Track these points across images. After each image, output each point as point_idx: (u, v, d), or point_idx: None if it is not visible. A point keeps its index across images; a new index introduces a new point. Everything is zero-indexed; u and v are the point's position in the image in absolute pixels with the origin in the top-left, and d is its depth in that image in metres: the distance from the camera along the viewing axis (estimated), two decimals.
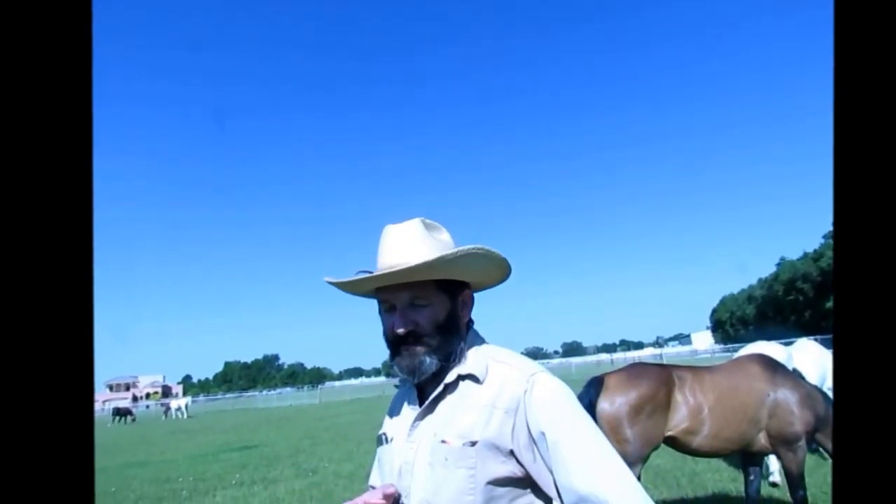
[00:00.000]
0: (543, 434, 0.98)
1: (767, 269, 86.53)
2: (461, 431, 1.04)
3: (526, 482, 1.03)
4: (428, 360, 1.08)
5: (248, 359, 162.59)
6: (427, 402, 1.12)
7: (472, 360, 1.12)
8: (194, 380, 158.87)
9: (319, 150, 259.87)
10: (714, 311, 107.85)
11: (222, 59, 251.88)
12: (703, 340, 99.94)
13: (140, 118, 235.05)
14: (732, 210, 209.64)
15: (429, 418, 1.11)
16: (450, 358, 1.10)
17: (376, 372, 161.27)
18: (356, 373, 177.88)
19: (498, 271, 1.20)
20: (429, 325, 1.09)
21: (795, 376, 3.92)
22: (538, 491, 1.04)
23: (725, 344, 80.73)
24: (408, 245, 1.11)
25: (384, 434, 1.21)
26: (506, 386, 1.05)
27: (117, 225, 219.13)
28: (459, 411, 1.07)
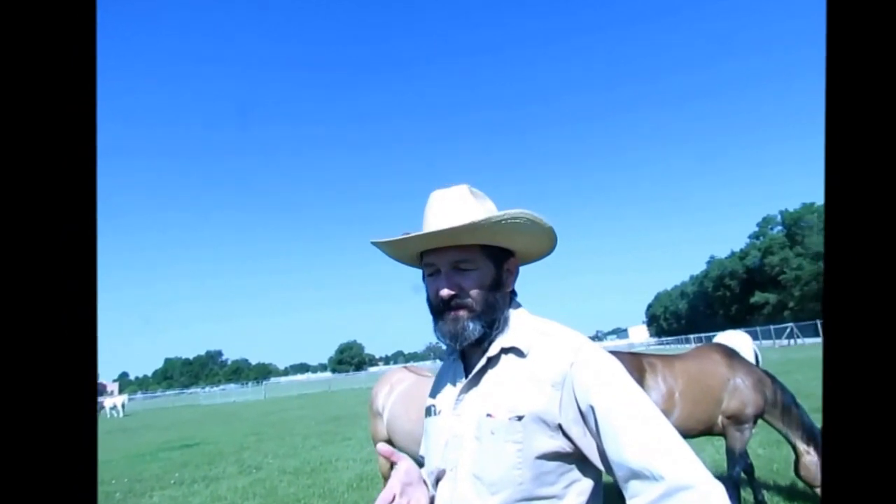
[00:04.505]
0: (592, 407, 0.94)
1: (699, 266, 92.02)
2: (507, 405, 1.01)
3: (574, 457, 1.00)
4: (471, 325, 1.06)
5: (190, 355, 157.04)
6: (471, 376, 1.10)
7: (516, 332, 1.10)
8: (132, 377, 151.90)
9: (263, 143, 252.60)
10: (649, 307, 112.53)
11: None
12: (640, 334, 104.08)
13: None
14: (666, 210, 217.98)
15: (473, 391, 1.09)
16: (493, 325, 1.08)
17: (322, 367, 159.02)
18: (302, 368, 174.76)
19: (545, 241, 1.16)
20: (473, 289, 1.07)
21: (748, 363, 4.21)
22: (587, 466, 1.01)
23: (660, 337, 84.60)
24: (454, 207, 1.10)
25: (433, 406, 1.19)
26: (551, 359, 1.02)
27: None
28: (504, 385, 1.05)
